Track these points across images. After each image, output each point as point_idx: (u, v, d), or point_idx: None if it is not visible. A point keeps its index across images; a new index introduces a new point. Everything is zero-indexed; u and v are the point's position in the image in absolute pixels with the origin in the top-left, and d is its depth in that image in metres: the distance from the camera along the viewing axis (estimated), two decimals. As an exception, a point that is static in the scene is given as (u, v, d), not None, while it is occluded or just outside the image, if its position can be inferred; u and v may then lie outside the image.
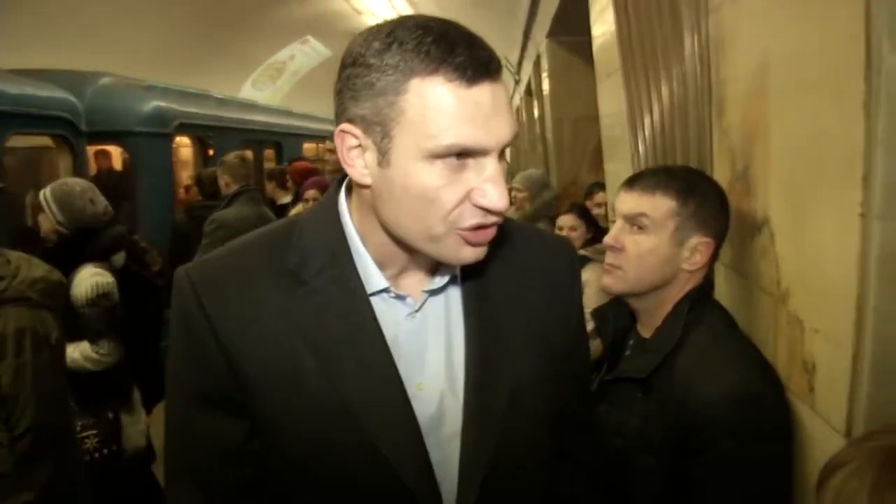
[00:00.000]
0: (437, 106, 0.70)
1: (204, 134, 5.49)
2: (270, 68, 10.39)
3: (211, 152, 5.57)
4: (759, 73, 1.09)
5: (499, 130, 0.73)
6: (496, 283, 0.89)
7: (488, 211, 0.74)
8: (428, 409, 0.84)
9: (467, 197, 0.74)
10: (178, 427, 0.89)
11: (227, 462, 0.85)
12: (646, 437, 1.16)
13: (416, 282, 0.87)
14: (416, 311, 0.86)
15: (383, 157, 0.74)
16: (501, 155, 0.75)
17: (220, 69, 8.70)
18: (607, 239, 1.24)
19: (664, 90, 1.74)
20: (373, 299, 0.84)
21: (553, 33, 4.83)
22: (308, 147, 8.95)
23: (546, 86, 5.44)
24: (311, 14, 9.38)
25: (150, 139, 4.78)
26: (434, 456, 0.83)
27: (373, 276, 0.84)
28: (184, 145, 6.02)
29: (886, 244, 0.83)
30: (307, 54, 11.30)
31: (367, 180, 0.77)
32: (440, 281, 0.87)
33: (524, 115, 10.14)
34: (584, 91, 5.20)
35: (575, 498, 1.04)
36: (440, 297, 0.88)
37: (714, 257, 1.20)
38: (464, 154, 0.72)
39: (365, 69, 0.73)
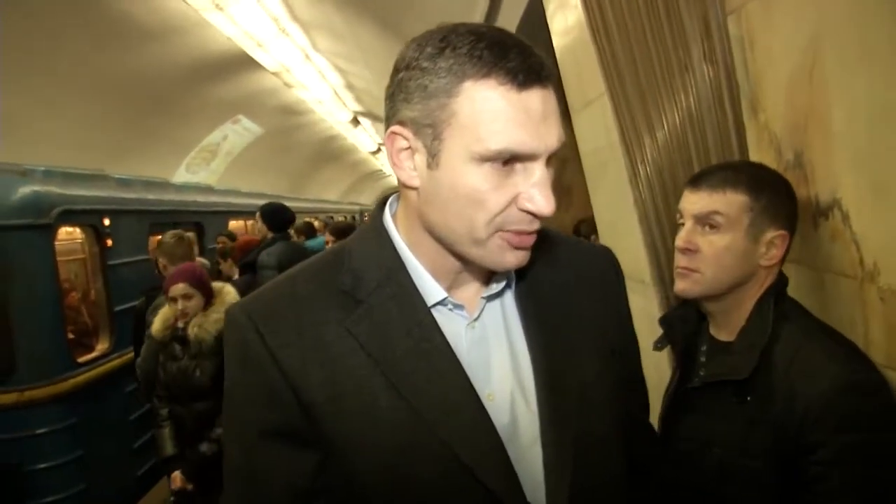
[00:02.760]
0: (489, 109, 0.71)
1: (98, 221, 4.43)
2: (204, 150, 10.26)
3: (109, 242, 4.59)
4: (807, 57, 1.10)
5: (548, 136, 0.73)
6: (548, 286, 0.90)
7: (534, 216, 0.75)
8: (503, 419, 0.82)
9: (514, 201, 0.75)
10: (245, 466, 0.85)
11: (298, 499, 0.82)
12: (750, 443, 1.11)
13: (471, 291, 0.87)
14: (476, 319, 0.86)
15: (433, 158, 0.76)
16: (549, 161, 0.76)
17: (153, 155, 8.52)
18: (679, 242, 1.21)
19: (667, 104, 1.76)
20: (433, 311, 0.84)
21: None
22: (235, 225, 8.73)
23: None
24: (241, 93, 9.38)
25: (24, 233, 3.77)
26: (516, 465, 0.81)
27: (431, 288, 0.84)
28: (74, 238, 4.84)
29: None
30: (239, 133, 11.25)
31: (416, 182, 0.79)
32: (496, 287, 0.87)
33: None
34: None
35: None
36: (496, 305, 0.89)
37: (788, 251, 1.18)
38: (512, 159, 0.73)
39: (419, 72, 0.74)
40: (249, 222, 8.04)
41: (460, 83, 0.72)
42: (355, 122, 13.38)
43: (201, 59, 7.37)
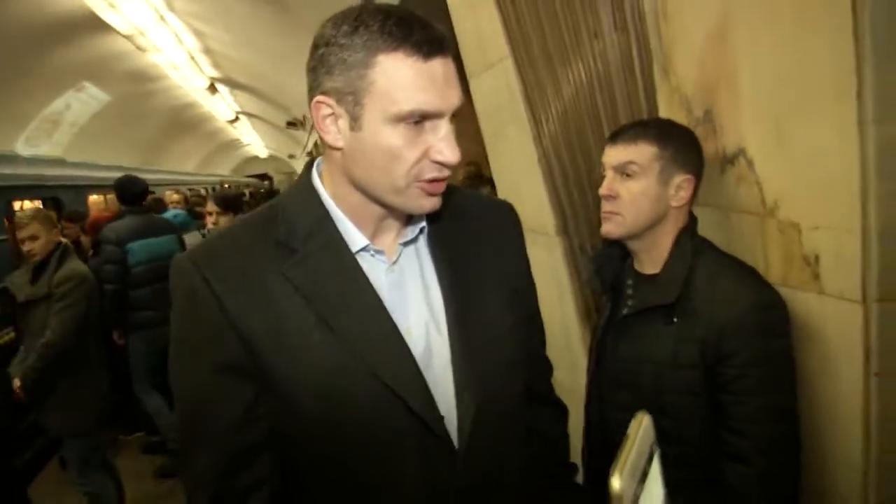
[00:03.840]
0: (400, 77, 0.84)
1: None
2: (45, 122, 9.33)
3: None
4: (719, 27, 1.29)
5: (451, 97, 0.88)
6: (456, 234, 1.05)
7: (443, 165, 0.89)
8: (419, 348, 0.96)
9: (425, 154, 0.88)
10: (194, 399, 0.96)
11: (240, 426, 0.93)
12: (679, 358, 1.31)
13: (390, 239, 1.01)
14: (394, 263, 1.00)
15: (355, 122, 0.88)
16: (452, 118, 0.90)
17: (-14, 129, 7.66)
18: (602, 190, 1.38)
19: (575, 68, 1.93)
20: (357, 257, 0.97)
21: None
22: (95, 199, 8.12)
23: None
24: (87, 58, 8.59)
25: None
26: (432, 387, 0.95)
27: (354, 236, 0.97)
28: None
29: (881, 144, 1.05)
30: (85, 102, 10.33)
31: (340, 143, 0.91)
32: (410, 234, 1.01)
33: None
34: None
35: (553, 438, 1.23)
36: (412, 251, 1.03)
37: (695, 193, 1.38)
38: (422, 118, 0.86)
39: (337, 48, 0.86)
40: (110, 196, 7.49)
41: (374, 56, 0.84)
42: (212, 88, 12.69)
43: (42, 21, 6.67)
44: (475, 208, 1.10)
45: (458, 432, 0.96)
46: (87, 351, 3.19)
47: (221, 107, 15.18)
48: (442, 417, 0.95)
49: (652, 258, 1.41)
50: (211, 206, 3.88)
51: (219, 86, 12.83)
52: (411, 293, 1.00)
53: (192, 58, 9.91)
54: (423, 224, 1.02)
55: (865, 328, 1.14)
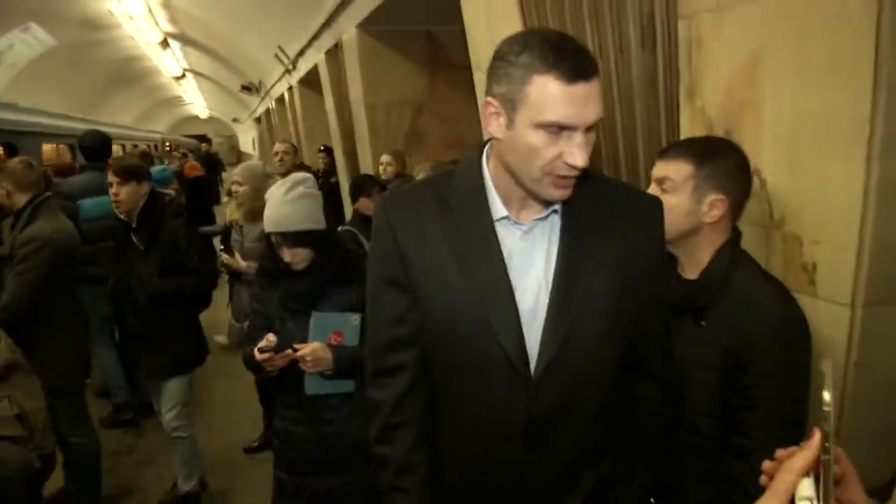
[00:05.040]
0: (548, 94, 1.06)
1: None
2: (-16, 59, 8.88)
3: None
4: (749, 62, 1.52)
5: (586, 114, 1.08)
6: (586, 219, 1.25)
7: (572, 167, 1.11)
8: (528, 304, 1.23)
9: (560, 156, 1.10)
10: (371, 300, 1.37)
11: (393, 323, 1.32)
12: (702, 358, 1.44)
13: (529, 214, 1.25)
14: (526, 233, 1.24)
15: (511, 122, 1.12)
16: (590, 130, 1.10)
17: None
18: None
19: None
20: (497, 224, 1.24)
21: (368, 22, 5.02)
22: (48, 149, 7.83)
23: (354, 73, 5.61)
24: (37, -3, 8.21)
25: None
26: (530, 336, 1.22)
27: (498, 207, 1.24)
28: None
29: (883, 177, 1.29)
30: (28, 44, 9.87)
31: (500, 135, 1.16)
32: (544, 212, 1.24)
33: (297, 102, 10.08)
34: (396, 78, 5.51)
35: (649, 405, 1.39)
36: (546, 227, 1.26)
37: (733, 212, 1.48)
38: (560, 128, 1.08)
39: (506, 63, 1.10)
40: (62, 146, 7.22)
41: (531, 76, 1.07)
42: (165, 44, 12.29)
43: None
44: (616, 198, 1.29)
45: (535, 370, 1.22)
46: (53, 313, 3.08)
47: (170, 62, 14.68)
48: (527, 355, 1.21)
49: (692, 265, 1.52)
50: (111, 176, 3.17)
51: (171, 41, 12.43)
52: (536, 259, 1.24)
53: (150, 10, 9.59)
54: (557, 206, 1.23)
55: (851, 327, 1.40)
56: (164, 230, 3.13)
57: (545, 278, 1.23)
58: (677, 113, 1.80)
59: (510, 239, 1.24)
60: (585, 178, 1.23)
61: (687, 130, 1.76)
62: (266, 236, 2.13)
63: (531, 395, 1.22)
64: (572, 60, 1.05)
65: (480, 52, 2.97)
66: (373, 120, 5.55)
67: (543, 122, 1.07)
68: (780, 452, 0.80)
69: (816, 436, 0.73)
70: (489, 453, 1.29)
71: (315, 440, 2.14)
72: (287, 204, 2.06)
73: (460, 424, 1.33)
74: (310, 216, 2.07)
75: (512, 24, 2.49)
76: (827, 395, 0.71)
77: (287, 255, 2.06)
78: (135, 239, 3.14)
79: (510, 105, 1.11)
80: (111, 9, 9.09)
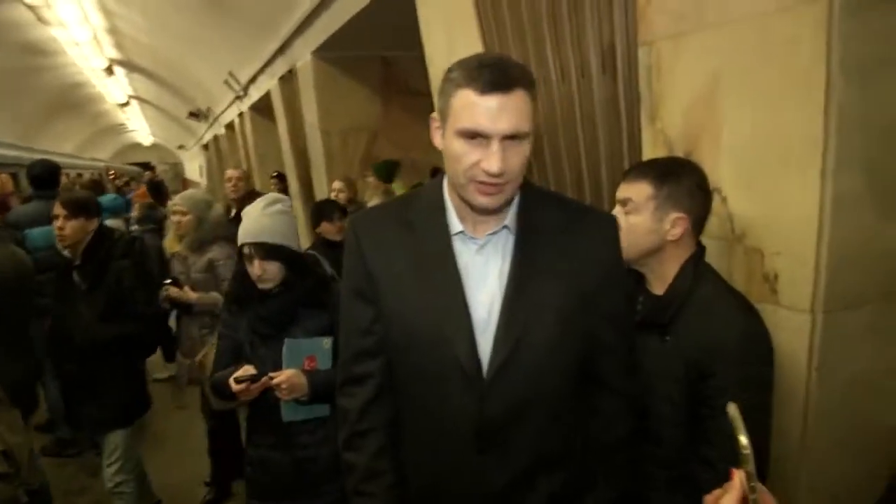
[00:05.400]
0: (465, 105, 1.16)
1: None
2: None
3: None
4: (706, 88, 1.61)
5: (500, 124, 1.15)
6: (541, 235, 1.31)
7: (487, 173, 1.17)
8: (482, 314, 1.30)
9: (477, 163, 1.18)
10: (342, 312, 1.44)
11: (361, 334, 1.39)
12: (667, 370, 1.47)
13: (484, 230, 1.32)
14: (482, 247, 1.32)
15: (444, 133, 1.23)
16: (512, 138, 1.16)
17: None
18: None
19: (560, 102, 2.20)
20: (454, 239, 1.32)
21: (324, 48, 5.04)
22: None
23: (310, 99, 5.62)
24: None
25: None
26: (484, 343, 1.29)
27: (455, 223, 1.32)
28: None
29: (837, 192, 1.38)
30: (-36, 70, 9.54)
31: (440, 147, 1.26)
32: (494, 227, 1.31)
33: (248, 128, 9.99)
34: (352, 104, 5.55)
35: (608, 417, 1.41)
36: (500, 241, 1.33)
37: (695, 228, 1.52)
38: (476, 135, 1.16)
39: (446, 81, 1.21)
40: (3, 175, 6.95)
41: (456, 90, 1.17)
42: (109, 70, 12.04)
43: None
44: (571, 214, 1.35)
45: (487, 373, 1.29)
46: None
47: (114, 89, 14.38)
48: (479, 362, 1.29)
49: (659, 281, 1.56)
50: (58, 209, 2.95)
51: (116, 68, 12.19)
52: (491, 272, 1.32)
53: (96, 36, 9.41)
54: (507, 222, 1.31)
55: (812, 333, 1.48)
56: (110, 270, 2.90)
57: (499, 290, 1.30)
58: (639, 136, 1.88)
59: (466, 253, 1.32)
60: (543, 197, 1.38)
61: (649, 152, 1.84)
62: (238, 251, 2.11)
63: (483, 397, 1.29)
64: (491, 75, 1.13)
65: (441, 77, 3.03)
66: (328, 146, 5.56)
67: (461, 130, 1.17)
68: (708, 498, 0.92)
69: (737, 477, 0.83)
70: (447, 457, 1.35)
71: (289, 464, 2.11)
72: (266, 216, 2.09)
73: (420, 431, 1.38)
74: (285, 233, 2.09)
75: (474, 48, 2.56)
76: (743, 439, 0.81)
77: (257, 267, 2.04)
78: (77, 277, 2.92)
79: (443, 117, 1.22)
80: (55, 34, 8.88)
